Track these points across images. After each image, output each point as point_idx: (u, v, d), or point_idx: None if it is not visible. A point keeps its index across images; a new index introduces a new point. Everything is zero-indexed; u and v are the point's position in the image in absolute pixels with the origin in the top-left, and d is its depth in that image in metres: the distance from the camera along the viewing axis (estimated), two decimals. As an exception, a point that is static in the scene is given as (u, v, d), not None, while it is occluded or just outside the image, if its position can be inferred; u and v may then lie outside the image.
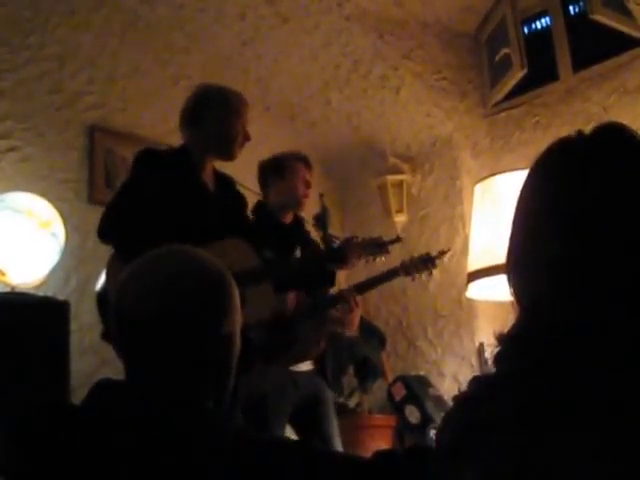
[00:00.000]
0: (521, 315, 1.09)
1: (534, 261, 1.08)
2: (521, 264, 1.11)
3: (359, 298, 3.42)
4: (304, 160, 3.64)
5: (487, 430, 0.99)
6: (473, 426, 1.01)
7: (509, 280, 1.13)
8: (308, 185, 3.58)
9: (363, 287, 3.52)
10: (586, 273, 1.02)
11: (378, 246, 3.25)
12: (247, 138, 3.12)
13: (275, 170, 3.61)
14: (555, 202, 1.08)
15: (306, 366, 3.43)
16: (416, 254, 3.46)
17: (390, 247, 3.29)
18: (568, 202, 1.06)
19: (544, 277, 1.06)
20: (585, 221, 1.03)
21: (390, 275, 3.46)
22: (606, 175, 1.05)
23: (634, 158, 1.07)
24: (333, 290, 3.61)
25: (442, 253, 3.48)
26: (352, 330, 3.46)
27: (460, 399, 1.10)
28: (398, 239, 3.40)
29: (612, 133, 1.11)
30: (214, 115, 3.08)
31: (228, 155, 3.12)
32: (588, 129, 1.13)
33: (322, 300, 3.43)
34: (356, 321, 3.42)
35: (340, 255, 3.18)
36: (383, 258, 3.28)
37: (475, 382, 1.09)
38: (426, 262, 3.40)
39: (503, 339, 1.08)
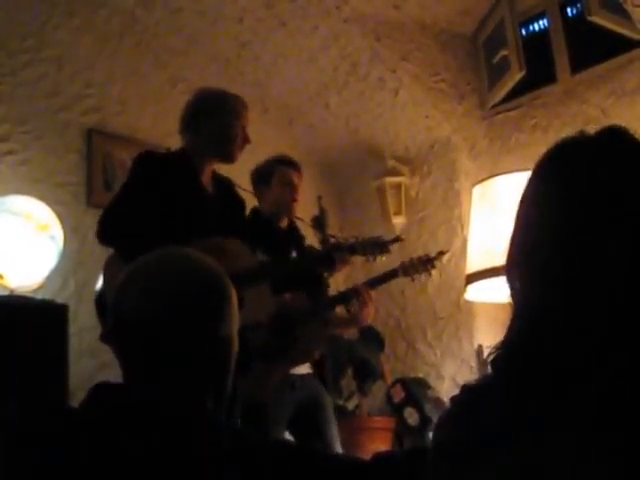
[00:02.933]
0: (517, 316, 1.09)
1: (533, 263, 1.08)
2: (520, 266, 1.11)
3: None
4: (288, 163, 3.64)
5: (488, 433, 0.99)
6: (474, 429, 1.01)
7: (508, 280, 1.13)
8: (294, 188, 3.58)
9: (369, 285, 3.53)
10: (584, 276, 1.01)
11: (379, 245, 3.25)
12: (247, 141, 3.12)
13: (261, 178, 3.64)
14: (558, 204, 1.08)
15: (304, 369, 3.42)
16: (415, 255, 3.48)
17: (391, 246, 3.29)
18: (571, 204, 1.06)
19: (542, 279, 1.06)
20: (588, 225, 1.03)
21: (389, 276, 3.50)
22: (610, 178, 1.05)
23: (637, 160, 1.07)
24: (332, 291, 3.61)
25: (441, 254, 3.51)
26: (367, 322, 3.49)
27: (458, 401, 1.10)
28: (399, 238, 3.41)
29: (615, 135, 1.11)
30: (212, 118, 3.08)
31: (228, 157, 3.12)
32: (591, 130, 1.13)
33: (323, 302, 3.44)
34: (371, 314, 3.44)
35: (326, 260, 3.19)
36: (384, 258, 3.28)
37: (472, 385, 1.09)
38: (425, 263, 3.44)
39: (500, 342, 1.08)
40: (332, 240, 3.35)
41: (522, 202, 1.15)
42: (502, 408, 1.00)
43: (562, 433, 0.93)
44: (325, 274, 3.43)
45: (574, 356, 0.97)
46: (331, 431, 3.39)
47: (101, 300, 2.86)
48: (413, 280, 3.49)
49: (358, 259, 3.39)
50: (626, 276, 0.99)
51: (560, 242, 1.05)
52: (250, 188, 3.61)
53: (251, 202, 3.54)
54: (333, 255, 3.18)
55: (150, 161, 3.02)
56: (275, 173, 3.60)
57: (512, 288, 1.12)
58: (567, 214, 1.06)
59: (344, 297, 3.47)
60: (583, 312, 1.00)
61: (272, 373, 3.22)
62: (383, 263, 3.34)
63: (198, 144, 3.09)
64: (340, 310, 3.59)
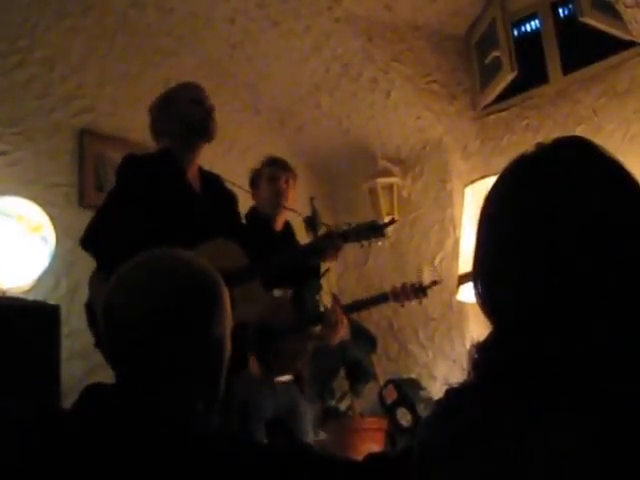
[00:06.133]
0: (493, 322, 1.10)
1: (504, 272, 1.09)
2: (490, 275, 1.12)
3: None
4: (272, 163, 3.70)
5: (472, 436, 1.00)
6: (457, 432, 1.02)
7: (476, 288, 1.14)
8: (279, 184, 3.60)
9: (351, 309, 3.51)
10: (555, 283, 1.02)
11: (373, 229, 3.18)
12: (210, 109, 3.13)
13: (252, 182, 3.73)
14: (520, 217, 1.09)
15: (285, 376, 3.41)
16: (408, 281, 3.45)
17: (386, 230, 3.24)
18: (532, 217, 1.07)
19: (515, 286, 1.07)
20: (553, 236, 1.04)
21: (379, 300, 3.47)
22: (571, 189, 1.06)
23: (593, 170, 1.08)
24: (321, 299, 3.61)
25: (434, 283, 3.46)
26: (335, 342, 3.45)
27: (441, 403, 1.11)
28: (393, 221, 3.38)
29: (572, 147, 1.13)
30: (171, 118, 3.11)
31: (206, 134, 3.11)
32: (548, 143, 1.14)
33: (307, 316, 3.43)
34: (339, 336, 3.41)
35: (319, 249, 3.16)
36: (380, 243, 3.24)
37: (456, 387, 1.10)
38: (417, 291, 3.39)
39: (480, 346, 1.10)
40: (325, 228, 3.33)
41: (485, 213, 1.16)
42: (484, 409, 1.01)
43: (544, 433, 0.94)
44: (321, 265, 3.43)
45: (548, 358, 0.99)
46: (305, 440, 3.37)
47: (90, 306, 2.86)
48: (403, 306, 3.47)
49: (352, 248, 3.35)
50: (589, 283, 1.00)
51: (526, 253, 1.06)
52: (241, 185, 3.61)
53: (242, 197, 3.53)
54: (320, 245, 3.15)
55: (134, 165, 3.02)
56: (262, 175, 3.68)
57: (482, 296, 1.13)
58: (529, 228, 1.07)
59: (320, 317, 3.46)
60: (552, 316, 1.01)
61: (250, 378, 3.21)
62: (376, 269, 3.33)
63: (173, 144, 3.10)
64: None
